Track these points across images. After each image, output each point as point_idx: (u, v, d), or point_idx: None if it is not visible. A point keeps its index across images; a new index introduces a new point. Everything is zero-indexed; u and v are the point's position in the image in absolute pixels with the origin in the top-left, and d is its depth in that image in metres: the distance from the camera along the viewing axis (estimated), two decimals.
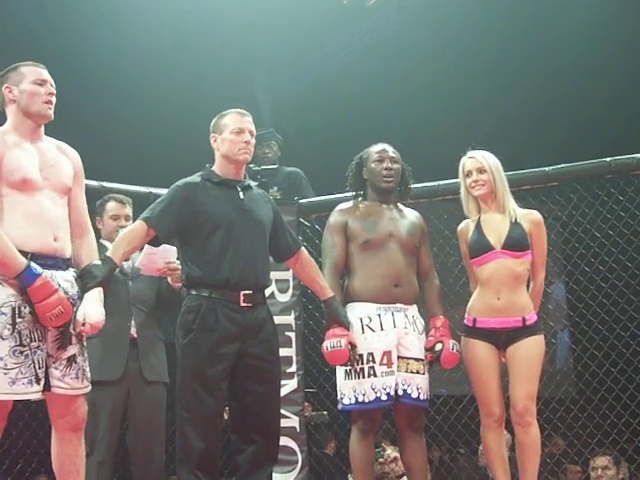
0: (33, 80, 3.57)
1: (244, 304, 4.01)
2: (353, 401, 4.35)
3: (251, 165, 5.25)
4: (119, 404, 4.66)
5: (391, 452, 5.99)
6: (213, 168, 4.20)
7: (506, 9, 8.79)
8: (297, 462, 5.45)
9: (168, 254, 4.48)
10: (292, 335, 5.56)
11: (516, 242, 4.39)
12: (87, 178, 4.51)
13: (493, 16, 8.80)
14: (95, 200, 4.96)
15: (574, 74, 8.91)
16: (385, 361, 4.34)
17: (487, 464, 4.56)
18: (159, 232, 4.02)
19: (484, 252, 4.42)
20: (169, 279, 4.73)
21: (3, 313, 3.37)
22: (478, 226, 4.49)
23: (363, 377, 4.33)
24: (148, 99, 8.51)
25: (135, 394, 4.69)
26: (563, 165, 5.55)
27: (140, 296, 4.79)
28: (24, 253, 3.41)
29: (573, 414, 6.05)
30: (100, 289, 3.64)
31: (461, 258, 4.72)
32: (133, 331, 4.73)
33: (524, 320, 4.33)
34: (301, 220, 5.82)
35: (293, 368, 5.53)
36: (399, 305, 4.42)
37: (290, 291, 5.60)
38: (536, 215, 4.50)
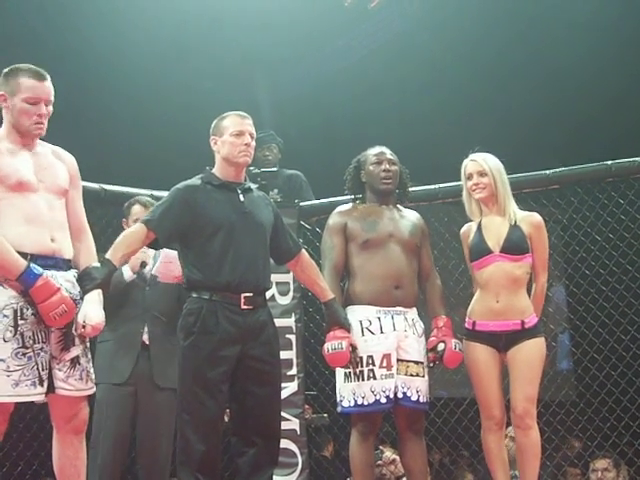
0: (25, 98, 3.50)
1: (245, 307, 4.01)
2: (352, 404, 4.35)
3: (251, 168, 5.25)
4: (126, 407, 4.65)
5: (389, 454, 5.99)
6: (213, 171, 4.20)
7: (506, 12, 8.78)
8: (297, 465, 5.46)
9: None
10: (292, 338, 5.57)
11: (514, 245, 4.39)
12: (87, 180, 4.54)
13: (493, 19, 8.80)
14: (95, 202, 4.97)
15: (574, 76, 8.89)
16: (385, 364, 4.34)
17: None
18: (159, 235, 4.01)
19: (483, 255, 4.42)
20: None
21: (5, 315, 3.37)
22: (479, 229, 4.49)
23: (363, 380, 4.33)
24: (148, 101, 8.50)
25: (145, 398, 4.69)
26: (564, 168, 5.55)
27: (157, 303, 4.77)
28: (23, 254, 3.42)
29: (573, 417, 6.06)
30: (99, 291, 3.64)
31: (461, 261, 4.73)
32: (145, 338, 4.71)
33: (523, 323, 4.33)
34: (302, 223, 5.83)
35: (293, 371, 5.53)
36: (399, 308, 4.42)
37: (291, 294, 5.60)
38: (536, 218, 4.49)
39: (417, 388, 4.38)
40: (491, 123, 8.81)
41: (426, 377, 4.44)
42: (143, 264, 4.70)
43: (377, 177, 4.58)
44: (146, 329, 4.73)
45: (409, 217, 4.64)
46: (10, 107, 3.52)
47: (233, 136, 4.13)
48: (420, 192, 5.47)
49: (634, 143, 6.66)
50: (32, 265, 3.40)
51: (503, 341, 4.35)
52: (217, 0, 8.48)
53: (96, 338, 4.30)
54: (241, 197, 4.14)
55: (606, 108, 9.05)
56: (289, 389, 5.46)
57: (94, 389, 3.65)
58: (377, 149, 4.67)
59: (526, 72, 9.18)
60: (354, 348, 4.30)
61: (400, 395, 4.34)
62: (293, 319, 5.59)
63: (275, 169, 6.22)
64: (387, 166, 4.57)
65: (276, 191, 5.95)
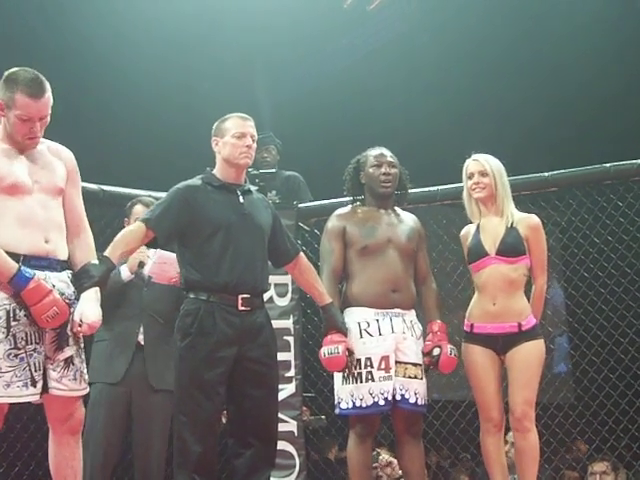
0: (19, 115, 3.47)
1: (242, 308, 4.01)
2: (350, 406, 4.35)
3: (250, 169, 5.24)
4: (119, 407, 4.64)
5: (386, 457, 5.99)
6: (214, 171, 4.19)
7: (506, 13, 8.80)
8: (295, 466, 5.45)
9: None
10: (290, 339, 5.56)
11: (510, 247, 4.38)
12: (87, 181, 4.52)
13: (493, 20, 8.82)
14: (95, 203, 4.96)
15: (573, 78, 8.91)
16: (383, 366, 4.33)
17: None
18: (158, 234, 4.01)
19: (479, 258, 4.42)
20: None
21: None
22: (477, 231, 4.49)
23: (361, 382, 4.33)
24: (148, 101, 8.51)
25: (139, 400, 4.67)
26: (562, 170, 5.55)
27: (154, 304, 4.76)
28: (16, 255, 3.40)
29: (571, 420, 6.06)
30: (97, 289, 3.62)
31: (460, 263, 4.73)
32: (140, 338, 4.71)
33: (520, 325, 4.33)
34: (300, 224, 5.82)
35: (291, 372, 5.52)
36: (397, 310, 4.42)
37: (289, 295, 5.60)
38: (533, 219, 4.49)
39: (415, 390, 4.37)
40: (489, 125, 8.83)
41: (424, 379, 4.44)
42: (141, 264, 4.69)
43: (377, 180, 4.56)
44: (142, 329, 4.72)
45: (407, 221, 4.63)
46: (6, 117, 3.51)
47: (234, 138, 4.13)
48: (419, 194, 5.46)
49: (633, 145, 6.66)
50: (23, 268, 3.39)
51: (500, 343, 4.34)
52: (217, 1, 8.49)
53: (92, 337, 4.29)
54: (241, 199, 4.14)
55: (605, 110, 9.07)
56: (287, 391, 5.45)
57: (88, 389, 3.64)
58: (377, 150, 4.65)
59: (525, 74, 9.20)
60: (351, 352, 4.29)
61: (398, 397, 4.33)
62: (291, 321, 5.59)
63: (273, 170, 6.20)
64: (387, 169, 4.56)
65: (274, 192, 5.95)
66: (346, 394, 4.36)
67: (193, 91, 8.92)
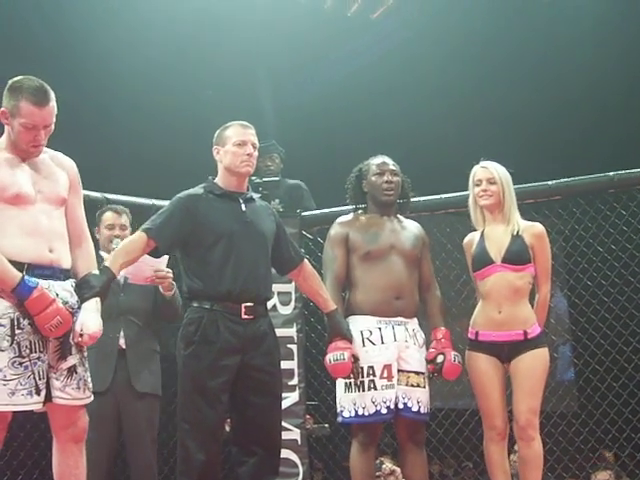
0: (23, 123, 3.48)
1: (245, 316, 4.00)
2: (353, 414, 4.35)
3: (253, 177, 5.25)
4: (107, 416, 4.61)
5: (389, 465, 5.98)
6: (216, 180, 4.19)
7: (507, 21, 8.81)
8: (298, 475, 5.44)
9: (156, 262, 4.41)
10: (294, 348, 5.55)
11: (516, 256, 4.38)
12: (90, 189, 4.53)
13: (495, 28, 8.81)
14: (97, 211, 4.96)
15: (577, 87, 8.91)
16: (385, 374, 4.33)
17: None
18: (159, 244, 4.01)
19: (485, 265, 4.42)
20: (160, 288, 4.70)
21: (2, 325, 3.36)
22: (481, 239, 4.49)
23: (363, 390, 4.33)
24: (150, 109, 8.51)
25: (126, 406, 4.68)
26: (566, 179, 5.54)
27: (132, 307, 4.76)
28: (20, 264, 3.41)
29: (575, 428, 6.05)
30: (98, 299, 3.62)
31: (463, 271, 4.72)
32: (122, 342, 4.70)
33: (525, 333, 4.33)
34: (303, 233, 5.82)
35: (295, 381, 5.52)
36: (400, 318, 4.42)
37: (292, 304, 5.59)
38: (538, 228, 4.49)
39: (418, 399, 4.37)
40: (493, 134, 8.82)
41: (427, 388, 4.43)
42: None
43: (379, 188, 4.56)
44: (122, 334, 4.72)
45: (410, 228, 4.63)
46: (10, 125, 3.52)
47: (236, 146, 4.13)
48: (422, 202, 5.46)
49: (636, 154, 6.67)
50: (26, 278, 3.39)
51: (505, 351, 4.34)
52: (220, 8, 8.49)
53: None
54: (243, 207, 4.13)
55: (608, 119, 9.08)
56: (290, 399, 5.44)
57: (92, 398, 3.64)
58: (379, 159, 4.65)
59: (528, 81, 9.20)
60: (356, 359, 4.29)
61: (401, 406, 4.33)
62: (295, 329, 5.58)
63: (277, 179, 6.21)
64: (389, 177, 4.56)
65: (278, 201, 5.95)
66: (348, 403, 4.36)
67: (196, 99, 8.93)
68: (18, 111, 3.47)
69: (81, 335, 3.51)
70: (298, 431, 5.50)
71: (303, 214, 5.82)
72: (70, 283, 3.59)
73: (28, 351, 3.39)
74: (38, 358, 3.42)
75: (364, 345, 4.36)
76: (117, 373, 4.65)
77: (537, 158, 8.83)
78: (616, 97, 8.96)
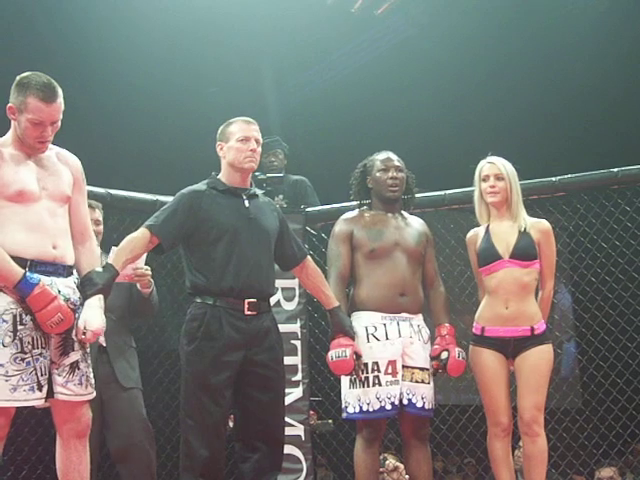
0: (31, 119, 3.47)
1: (248, 312, 4.01)
2: (357, 410, 4.34)
3: (257, 173, 5.25)
4: (93, 412, 4.60)
5: (392, 461, 5.97)
6: (219, 176, 4.19)
7: (511, 19, 8.79)
8: (302, 470, 5.44)
9: None
10: (298, 343, 5.55)
11: (524, 252, 4.38)
12: (94, 185, 4.52)
13: (498, 25, 8.80)
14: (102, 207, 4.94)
15: (581, 83, 8.89)
16: (390, 370, 4.33)
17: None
18: (162, 240, 4.01)
19: (492, 261, 4.41)
20: (138, 285, 4.68)
21: (4, 320, 3.37)
22: (487, 234, 4.48)
23: (368, 386, 4.32)
24: (154, 105, 8.51)
25: (110, 400, 4.62)
26: (570, 175, 5.54)
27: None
28: (23, 260, 3.41)
29: (579, 425, 6.04)
30: (101, 296, 3.62)
31: (467, 267, 4.71)
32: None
33: (533, 329, 4.33)
34: (307, 229, 5.81)
35: (298, 376, 5.52)
36: (404, 314, 4.42)
37: (296, 299, 5.59)
38: (545, 224, 4.49)
39: (422, 395, 4.37)
40: (497, 129, 8.81)
41: (431, 384, 4.43)
42: None
43: (384, 184, 4.56)
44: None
45: (414, 225, 4.63)
46: (17, 121, 3.52)
47: (239, 142, 4.13)
48: (426, 198, 5.46)
49: None
50: (28, 274, 3.39)
51: (511, 347, 4.34)
52: (224, 6, 8.48)
53: None
54: (246, 203, 4.13)
55: (613, 115, 9.06)
56: (294, 395, 5.44)
57: (94, 394, 3.64)
58: (384, 155, 4.65)
59: (532, 78, 9.18)
60: (358, 356, 4.28)
61: (405, 402, 4.33)
62: (298, 325, 5.58)
63: (281, 175, 6.20)
64: (394, 173, 4.56)
65: (281, 197, 5.95)
66: (353, 398, 4.36)
67: (200, 95, 8.93)
68: (25, 107, 3.47)
69: (84, 332, 3.51)
70: (302, 427, 5.50)
71: (307, 210, 5.82)
72: (73, 280, 3.59)
73: (30, 347, 3.40)
74: (40, 354, 3.42)
75: (368, 341, 4.36)
76: (99, 369, 4.59)
77: (541, 154, 8.82)
78: (620, 93, 8.95)
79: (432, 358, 4.44)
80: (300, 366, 5.54)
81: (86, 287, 3.60)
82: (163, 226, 4.00)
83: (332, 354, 4.28)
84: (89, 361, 3.63)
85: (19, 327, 3.39)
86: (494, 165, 4.49)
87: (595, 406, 6.16)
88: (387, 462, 5.90)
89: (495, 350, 4.36)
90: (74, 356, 3.53)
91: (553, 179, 5.53)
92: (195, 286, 4.04)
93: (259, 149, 4.18)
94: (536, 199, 5.50)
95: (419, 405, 4.35)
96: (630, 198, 5.74)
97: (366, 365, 4.32)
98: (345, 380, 4.42)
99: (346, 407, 4.41)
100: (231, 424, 4.21)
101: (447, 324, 4.51)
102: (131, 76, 8.34)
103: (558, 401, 6.53)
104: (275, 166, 6.52)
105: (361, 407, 4.32)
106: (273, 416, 4.08)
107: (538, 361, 4.31)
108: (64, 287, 3.51)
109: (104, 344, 4.66)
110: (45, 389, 3.42)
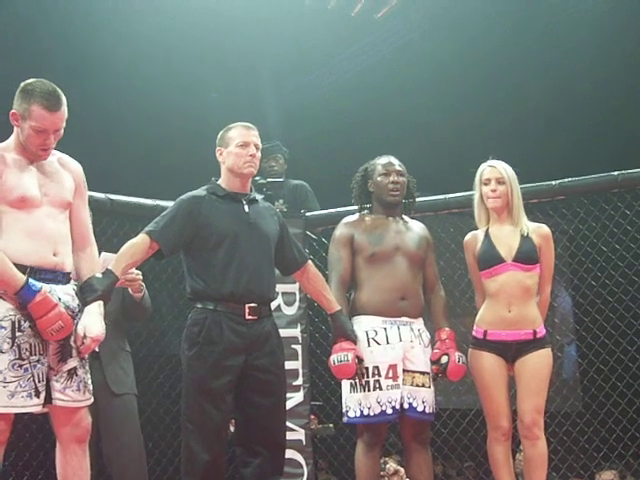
0: (34, 127, 3.46)
1: (249, 317, 4.01)
2: (358, 414, 4.35)
3: (257, 178, 5.25)
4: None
5: (393, 465, 5.97)
6: (219, 182, 4.20)
7: (512, 22, 8.80)
8: (303, 475, 5.43)
9: None
10: (298, 348, 5.55)
11: (527, 255, 4.39)
12: (94, 190, 4.52)
13: (499, 28, 8.81)
14: (102, 212, 4.95)
15: (580, 86, 8.90)
16: (391, 374, 4.34)
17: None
18: (162, 246, 4.01)
19: (495, 264, 4.41)
20: (129, 289, 4.67)
21: (3, 327, 3.37)
22: (487, 238, 4.48)
23: (369, 390, 4.33)
24: (155, 110, 8.52)
25: (104, 407, 4.58)
26: (570, 179, 5.54)
27: None
28: (23, 267, 3.41)
29: (579, 428, 6.04)
30: (100, 302, 3.62)
31: (467, 271, 4.72)
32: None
33: (535, 333, 4.34)
34: (308, 233, 5.82)
35: (299, 381, 5.52)
36: (405, 319, 4.42)
37: (296, 304, 5.59)
38: (545, 229, 4.51)
39: (423, 399, 4.37)
40: (497, 133, 8.82)
41: (432, 388, 4.44)
42: None
43: (385, 188, 4.57)
44: None
45: (415, 229, 4.63)
46: (20, 127, 3.51)
47: (238, 147, 4.14)
48: (426, 202, 5.46)
49: None
50: (30, 281, 3.39)
51: (513, 351, 4.35)
52: (223, 10, 8.49)
53: None
54: (246, 208, 4.14)
55: (613, 118, 9.07)
56: (295, 399, 5.44)
57: (92, 400, 3.64)
58: (385, 159, 4.65)
59: (532, 82, 9.19)
60: (360, 360, 4.29)
61: (406, 406, 4.34)
62: (299, 329, 5.58)
63: (281, 179, 6.20)
64: (395, 177, 4.56)
65: (282, 201, 5.96)
66: (354, 403, 4.37)
67: (201, 100, 8.93)
68: (29, 114, 3.46)
69: (84, 338, 3.51)
70: (303, 431, 5.50)
71: (307, 214, 5.82)
72: (71, 287, 3.60)
73: (28, 354, 3.40)
74: (38, 361, 3.42)
75: (369, 345, 4.36)
76: (92, 375, 4.57)
77: (541, 158, 8.82)
78: (620, 97, 8.95)
79: (432, 362, 4.44)
80: (301, 370, 5.54)
81: (86, 293, 3.59)
82: (163, 232, 4.01)
83: (334, 358, 4.28)
84: (87, 367, 3.62)
85: (17, 334, 3.39)
86: (495, 169, 4.49)
87: (596, 409, 6.15)
88: (388, 466, 5.90)
89: (495, 354, 4.37)
90: (72, 362, 3.53)
91: (553, 183, 5.53)
92: (196, 291, 4.05)
93: (258, 154, 4.19)
94: (536, 203, 5.51)
95: (420, 409, 4.36)
96: (630, 202, 5.74)
97: (367, 369, 4.32)
98: (346, 384, 4.42)
99: (347, 411, 4.42)
100: (232, 429, 4.21)
101: (447, 328, 4.52)
102: (132, 81, 8.35)
103: (558, 404, 6.52)
104: (275, 171, 6.53)
105: (362, 411, 4.33)
106: (274, 421, 4.08)
107: (538, 364, 4.33)
108: (63, 294, 3.51)
109: (96, 349, 4.65)
110: (43, 395, 3.42)
